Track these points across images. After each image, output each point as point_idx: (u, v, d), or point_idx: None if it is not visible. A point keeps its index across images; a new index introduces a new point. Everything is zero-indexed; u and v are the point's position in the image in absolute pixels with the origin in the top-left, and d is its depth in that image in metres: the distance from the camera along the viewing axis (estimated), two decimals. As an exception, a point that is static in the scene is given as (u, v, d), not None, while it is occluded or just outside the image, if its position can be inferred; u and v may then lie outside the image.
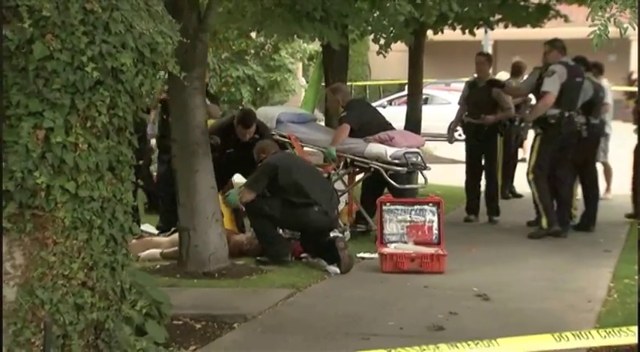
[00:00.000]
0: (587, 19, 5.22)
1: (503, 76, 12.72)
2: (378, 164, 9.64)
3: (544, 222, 10.10)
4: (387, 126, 10.21)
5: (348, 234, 9.61)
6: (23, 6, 4.71)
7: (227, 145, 9.64)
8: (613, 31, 5.23)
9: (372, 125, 10.05)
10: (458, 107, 11.86)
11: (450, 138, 11.78)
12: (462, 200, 11.63)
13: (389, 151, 9.65)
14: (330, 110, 11.12)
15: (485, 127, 11.15)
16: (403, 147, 9.72)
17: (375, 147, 9.76)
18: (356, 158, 9.83)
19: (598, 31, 5.12)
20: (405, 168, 9.59)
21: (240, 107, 20.37)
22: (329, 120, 11.91)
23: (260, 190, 8.51)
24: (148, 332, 5.51)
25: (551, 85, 9.97)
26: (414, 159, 9.71)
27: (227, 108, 19.33)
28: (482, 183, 11.43)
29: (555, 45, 10.22)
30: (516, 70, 13.41)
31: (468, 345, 4.26)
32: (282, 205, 8.46)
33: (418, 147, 10.04)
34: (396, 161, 9.63)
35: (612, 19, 5.13)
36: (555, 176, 10.11)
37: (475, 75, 11.70)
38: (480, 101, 11.19)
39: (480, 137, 11.22)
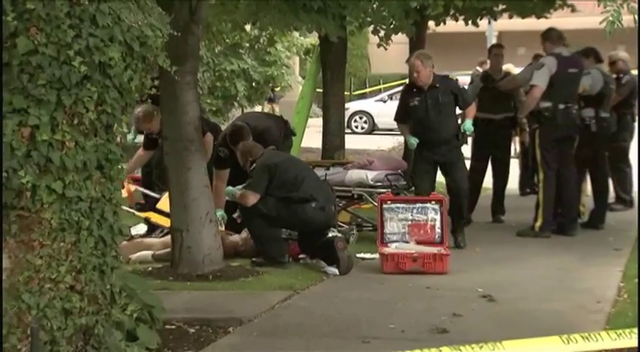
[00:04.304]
0: (598, 6, 5.04)
1: (510, 68, 12.49)
2: (361, 189, 9.65)
3: (537, 224, 9.90)
4: None
5: (356, 234, 9.53)
6: (6, -2, 4.60)
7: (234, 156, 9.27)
8: (625, 19, 5.04)
9: None
10: None
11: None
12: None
13: (369, 175, 9.68)
14: (420, 81, 9.26)
15: (505, 122, 10.90)
16: (384, 170, 9.71)
17: (355, 174, 9.79)
18: (336, 187, 9.54)
19: (611, 18, 4.92)
20: (389, 190, 9.42)
21: (235, 102, 20.29)
22: (327, 115, 11.74)
23: (263, 191, 8.31)
24: (140, 337, 5.41)
25: (539, 78, 9.78)
26: (396, 181, 9.69)
27: (222, 104, 19.27)
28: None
29: (548, 35, 10.01)
30: None
31: (472, 349, 4.17)
32: (278, 203, 8.30)
33: (400, 170, 9.90)
34: (379, 183, 9.64)
35: (626, 5, 4.95)
36: (559, 174, 9.88)
37: (479, 68, 11.46)
38: (497, 95, 10.83)
39: (495, 132, 10.91)
